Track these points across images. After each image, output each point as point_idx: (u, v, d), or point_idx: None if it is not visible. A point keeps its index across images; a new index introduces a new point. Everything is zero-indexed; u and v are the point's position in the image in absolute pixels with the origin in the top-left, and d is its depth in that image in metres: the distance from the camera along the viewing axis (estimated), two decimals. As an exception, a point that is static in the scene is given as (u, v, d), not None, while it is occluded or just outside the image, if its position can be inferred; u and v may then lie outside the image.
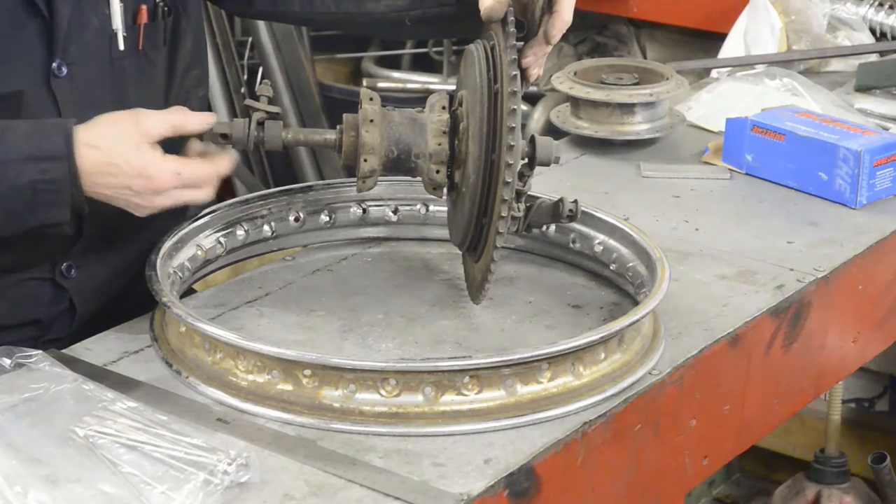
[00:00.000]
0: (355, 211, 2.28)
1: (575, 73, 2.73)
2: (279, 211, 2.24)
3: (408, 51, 4.85)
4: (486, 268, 1.95)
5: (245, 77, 4.65)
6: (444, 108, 1.99)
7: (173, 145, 2.01)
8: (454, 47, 4.72)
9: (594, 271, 2.21)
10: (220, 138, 1.99)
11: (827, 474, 3.43)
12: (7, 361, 1.88)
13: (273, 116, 2.01)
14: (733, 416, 2.11)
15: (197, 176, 1.96)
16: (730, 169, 2.62)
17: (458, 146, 1.97)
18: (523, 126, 4.08)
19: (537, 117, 4.13)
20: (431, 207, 2.29)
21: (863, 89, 2.96)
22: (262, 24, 4.57)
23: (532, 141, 2.00)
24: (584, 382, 1.87)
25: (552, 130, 2.80)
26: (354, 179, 2.02)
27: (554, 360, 1.85)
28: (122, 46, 2.07)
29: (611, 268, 2.17)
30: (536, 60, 1.99)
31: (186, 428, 1.75)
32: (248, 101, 2.02)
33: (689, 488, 2.21)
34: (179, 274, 2.09)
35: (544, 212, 2.05)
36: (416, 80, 4.75)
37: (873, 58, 3.10)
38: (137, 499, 1.63)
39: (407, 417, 1.80)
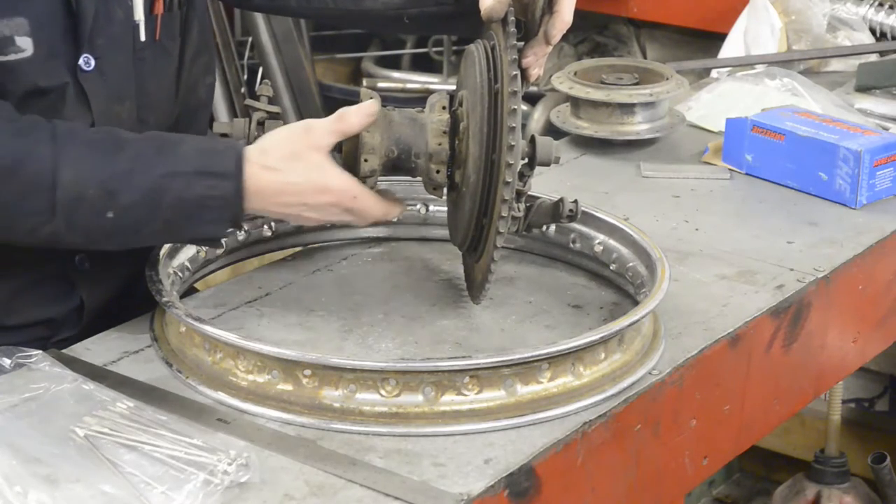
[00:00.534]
0: (355, 211, 2.28)
1: (575, 73, 2.73)
2: (279, 211, 2.24)
3: (408, 51, 4.85)
4: (486, 268, 1.95)
5: (245, 77, 4.65)
6: (444, 108, 1.99)
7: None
8: (454, 47, 4.73)
9: (594, 271, 2.21)
10: (220, 138, 2.00)
11: (827, 474, 3.43)
12: (7, 361, 1.88)
13: (273, 116, 2.02)
14: (733, 416, 2.11)
15: (367, 207, 1.98)
16: (730, 169, 2.62)
17: (458, 146, 1.97)
18: (523, 126, 4.07)
19: (537, 117, 4.14)
20: (431, 207, 2.29)
21: (863, 89, 2.96)
22: (262, 24, 4.57)
23: (532, 141, 2.00)
24: (584, 382, 1.87)
25: (552, 130, 2.80)
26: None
27: (554, 360, 1.85)
28: (143, 37, 2.08)
29: (611, 268, 2.17)
30: (537, 60, 1.99)
31: (186, 428, 1.75)
32: (248, 101, 2.02)
33: (689, 488, 2.21)
34: (179, 274, 2.09)
35: (544, 212, 2.05)
36: (416, 80, 4.75)
37: (873, 58, 3.10)
38: (137, 499, 1.63)
39: (407, 417, 1.80)
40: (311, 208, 1.96)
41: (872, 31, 3.29)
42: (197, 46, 2.19)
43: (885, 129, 2.75)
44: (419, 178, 2.02)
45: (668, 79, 2.71)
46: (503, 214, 1.89)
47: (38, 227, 1.91)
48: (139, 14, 2.07)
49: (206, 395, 1.86)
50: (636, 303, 2.05)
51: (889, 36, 3.30)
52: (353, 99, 2.01)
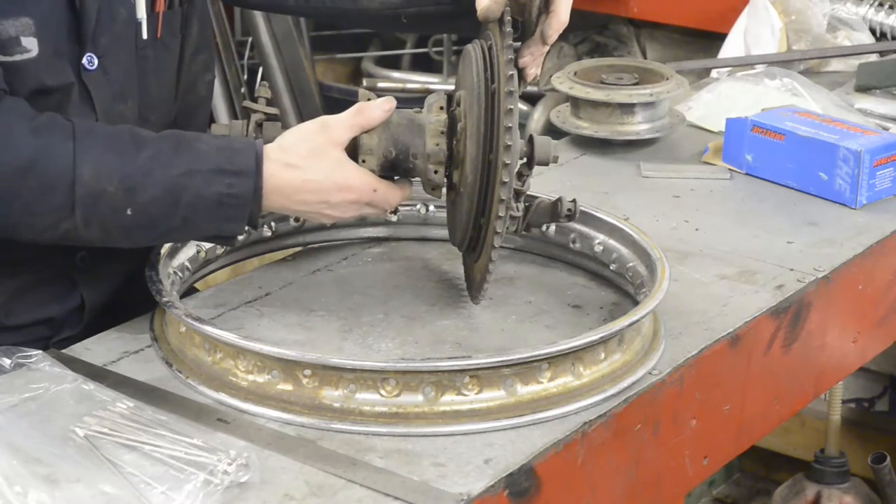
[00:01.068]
0: (355, 211, 2.28)
1: (575, 73, 2.73)
2: (279, 211, 2.24)
3: (408, 51, 4.85)
4: (484, 268, 1.95)
5: (245, 77, 4.65)
6: (441, 108, 1.99)
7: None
8: (454, 47, 4.73)
9: (594, 271, 2.21)
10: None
11: (827, 474, 3.43)
12: (7, 361, 1.88)
13: (271, 118, 2.02)
14: (733, 416, 2.11)
15: (387, 198, 1.99)
16: (730, 169, 2.62)
17: (456, 146, 1.97)
18: (523, 126, 4.08)
19: (537, 117, 4.13)
20: (431, 207, 2.29)
21: (863, 89, 2.96)
22: (262, 24, 4.57)
23: (530, 140, 2.00)
24: (584, 382, 1.87)
25: (552, 130, 2.80)
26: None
27: (554, 360, 1.85)
28: (145, 35, 2.08)
29: (611, 268, 2.17)
30: (534, 60, 1.99)
31: (186, 428, 1.75)
32: (247, 103, 2.03)
33: (689, 488, 2.21)
34: (179, 274, 2.09)
35: (543, 211, 2.05)
36: (416, 80, 4.75)
37: (873, 58, 3.10)
38: (137, 499, 1.63)
39: (407, 417, 1.80)
40: (332, 206, 1.97)
41: (872, 31, 3.29)
42: (197, 43, 2.19)
43: (885, 129, 2.75)
44: (418, 179, 2.02)
45: (668, 79, 2.71)
46: (500, 214, 1.89)
47: (56, 224, 1.91)
48: (141, 12, 2.07)
49: (206, 395, 1.86)
50: (636, 303, 2.05)
51: (889, 36, 3.30)
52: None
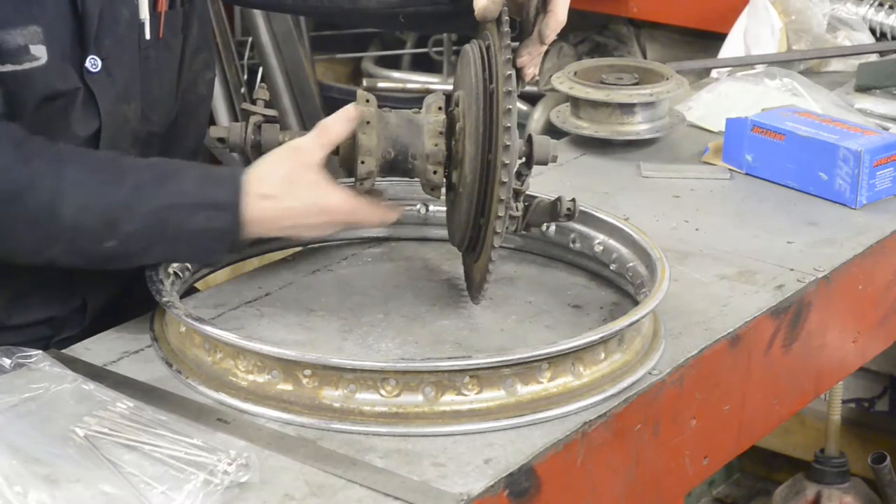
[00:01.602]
0: (355, 211, 2.28)
1: (575, 73, 2.73)
2: (279, 211, 2.23)
3: (408, 51, 4.85)
4: (484, 268, 1.95)
5: (245, 77, 4.65)
6: (440, 108, 1.99)
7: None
8: (454, 47, 4.73)
9: (594, 271, 2.21)
10: (217, 142, 2.00)
11: (827, 474, 3.43)
12: (7, 361, 1.88)
13: (270, 120, 2.02)
14: (733, 416, 2.11)
15: (366, 218, 2.01)
16: (730, 169, 2.62)
17: (454, 147, 1.97)
18: (523, 126, 4.08)
19: (537, 117, 4.13)
20: (431, 207, 2.29)
21: (863, 89, 2.96)
22: (262, 24, 4.57)
23: (529, 140, 2.00)
24: (584, 382, 1.87)
25: (552, 130, 2.80)
26: (354, 180, 2.02)
27: (554, 360, 1.85)
28: (147, 36, 2.08)
29: (611, 268, 2.17)
30: (532, 60, 1.99)
31: (186, 428, 1.75)
32: (245, 105, 2.03)
33: (689, 488, 2.21)
34: (179, 274, 2.09)
35: (542, 211, 2.05)
36: (416, 80, 4.75)
37: (873, 58, 3.10)
38: (137, 499, 1.63)
39: (407, 417, 1.80)
40: (311, 228, 2.00)
41: (872, 31, 3.29)
42: (197, 42, 2.19)
43: (885, 129, 2.75)
44: (417, 179, 2.02)
45: (668, 79, 2.71)
46: (500, 214, 1.89)
47: (38, 252, 1.94)
48: (144, 13, 2.07)
49: (206, 395, 1.86)
50: (636, 303, 2.05)
51: (889, 36, 3.30)
52: (353, 99, 2.02)
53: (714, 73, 3.09)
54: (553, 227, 2.23)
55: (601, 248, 2.18)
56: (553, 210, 2.05)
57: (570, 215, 2.05)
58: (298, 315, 2.07)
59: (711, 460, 2.10)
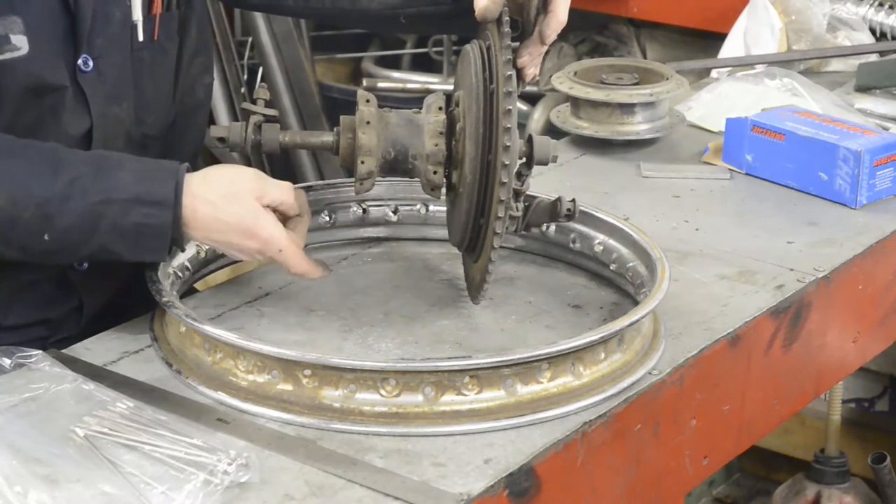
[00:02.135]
0: (355, 211, 2.28)
1: (575, 73, 2.73)
2: (279, 211, 2.23)
3: (408, 51, 4.85)
4: (484, 268, 1.95)
5: (245, 77, 4.65)
6: (440, 108, 1.99)
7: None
8: (454, 47, 4.73)
9: (594, 271, 2.21)
10: (218, 141, 2.00)
11: (827, 474, 3.43)
12: (7, 361, 1.88)
13: (270, 119, 2.02)
14: (733, 416, 2.11)
15: (290, 264, 1.97)
16: (730, 169, 2.62)
17: (454, 147, 1.97)
18: (523, 126, 4.08)
19: (537, 117, 4.13)
20: (431, 207, 2.29)
21: (863, 89, 2.96)
22: (262, 24, 4.57)
23: (529, 140, 2.00)
24: (584, 382, 1.87)
25: (552, 130, 2.80)
26: (354, 180, 2.02)
27: (554, 360, 1.85)
28: (141, 37, 2.08)
29: (611, 268, 2.17)
30: (532, 60, 1.99)
31: (186, 428, 1.75)
32: (245, 105, 2.03)
33: (689, 488, 2.21)
34: (179, 274, 2.09)
35: (542, 211, 2.05)
36: (417, 80, 4.75)
37: (873, 58, 3.10)
38: (137, 499, 1.63)
39: (407, 417, 1.80)
40: (238, 249, 1.97)
41: (872, 31, 3.29)
42: (195, 46, 2.19)
43: (885, 129, 2.75)
44: (417, 179, 2.02)
45: (668, 79, 2.71)
46: (500, 215, 1.89)
47: None
48: (137, 14, 2.07)
49: (206, 395, 1.86)
50: (636, 303, 2.05)
51: (889, 36, 3.30)
52: (353, 99, 2.02)
53: (714, 73, 3.09)
54: (553, 227, 2.23)
55: (601, 248, 2.18)
56: (553, 210, 2.05)
57: (571, 215, 2.05)
58: (298, 315, 2.07)
59: (711, 460, 2.10)
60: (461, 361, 1.83)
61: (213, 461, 1.68)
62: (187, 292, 2.17)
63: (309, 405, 1.82)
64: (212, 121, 4.39)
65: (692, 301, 2.12)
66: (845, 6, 3.29)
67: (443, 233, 2.19)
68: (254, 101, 2.03)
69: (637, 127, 2.69)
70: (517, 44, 1.97)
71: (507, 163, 1.87)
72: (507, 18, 1.92)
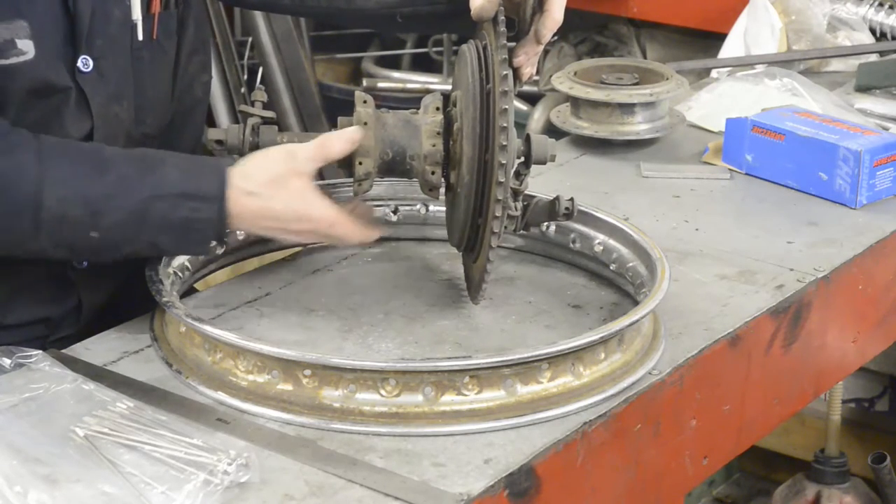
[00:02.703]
0: (355, 211, 2.28)
1: (575, 73, 2.73)
2: (279, 211, 2.23)
3: (408, 51, 4.85)
4: (483, 268, 1.96)
5: (245, 77, 4.66)
6: (437, 109, 2.00)
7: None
8: (454, 47, 4.73)
9: (594, 271, 2.21)
10: (215, 144, 2.01)
11: (827, 474, 3.43)
12: (7, 361, 1.88)
13: (268, 121, 2.02)
14: (733, 416, 2.11)
15: (345, 233, 2.00)
16: (730, 169, 2.62)
17: (452, 147, 1.98)
18: (523, 126, 4.08)
19: (537, 117, 4.13)
20: (431, 207, 2.29)
21: (863, 89, 2.96)
22: (262, 24, 4.57)
23: (527, 140, 2.00)
24: (584, 382, 1.87)
25: (552, 130, 2.80)
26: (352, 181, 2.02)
27: (554, 360, 1.85)
28: (140, 37, 2.09)
29: (611, 268, 2.17)
30: (528, 60, 1.99)
31: (186, 428, 1.75)
32: (243, 107, 2.04)
33: (689, 488, 2.21)
34: (179, 274, 2.09)
35: (541, 210, 2.05)
36: (416, 80, 4.75)
37: (873, 58, 3.10)
38: (137, 499, 1.63)
39: (407, 417, 1.80)
40: (291, 233, 2.01)
41: (872, 31, 3.29)
42: (193, 45, 2.19)
43: (885, 129, 2.75)
44: (416, 179, 2.02)
45: (668, 79, 2.71)
46: (497, 214, 1.89)
47: (22, 244, 1.94)
48: (136, 13, 2.08)
49: (206, 395, 1.86)
50: (636, 303, 2.05)
51: (889, 36, 3.30)
52: (353, 99, 2.02)
53: (714, 73, 3.09)
54: (553, 227, 2.23)
55: (601, 248, 2.18)
56: (552, 209, 2.05)
57: (569, 214, 2.05)
58: (298, 315, 2.07)
59: (711, 460, 2.10)
60: (461, 361, 1.83)
61: (213, 461, 1.68)
62: (187, 292, 2.17)
63: (309, 405, 1.82)
64: (211, 120, 4.39)
65: (692, 301, 2.12)
66: (845, 6, 3.29)
67: (443, 233, 2.19)
68: (252, 103, 2.03)
69: (637, 127, 2.69)
70: (513, 44, 1.98)
71: (503, 162, 1.87)
72: (503, 18, 1.92)
